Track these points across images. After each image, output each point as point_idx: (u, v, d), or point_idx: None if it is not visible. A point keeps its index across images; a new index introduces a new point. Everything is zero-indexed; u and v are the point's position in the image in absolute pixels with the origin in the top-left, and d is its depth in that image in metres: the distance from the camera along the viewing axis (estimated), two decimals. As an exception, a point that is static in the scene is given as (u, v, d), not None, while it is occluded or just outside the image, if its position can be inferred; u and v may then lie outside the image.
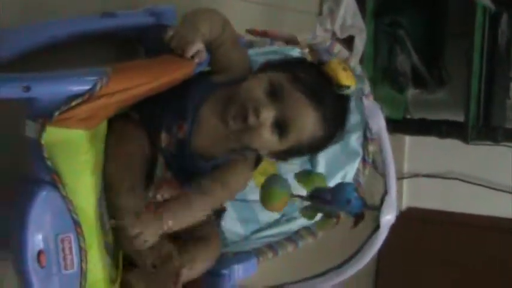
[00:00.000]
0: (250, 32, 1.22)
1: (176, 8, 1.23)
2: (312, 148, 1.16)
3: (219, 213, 1.26)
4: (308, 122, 1.09)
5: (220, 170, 1.14)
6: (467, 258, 2.83)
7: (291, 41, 1.21)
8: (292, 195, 1.11)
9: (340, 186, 1.12)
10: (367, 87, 1.28)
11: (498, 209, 2.77)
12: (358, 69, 1.27)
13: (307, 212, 1.17)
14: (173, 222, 1.06)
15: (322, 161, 1.33)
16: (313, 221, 1.22)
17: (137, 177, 1.06)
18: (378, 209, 1.12)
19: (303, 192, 1.14)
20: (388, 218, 1.13)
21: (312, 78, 1.09)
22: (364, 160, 1.33)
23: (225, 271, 1.17)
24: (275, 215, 1.35)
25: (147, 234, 1.02)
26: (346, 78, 1.11)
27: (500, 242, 2.78)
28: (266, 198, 1.12)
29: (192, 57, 1.05)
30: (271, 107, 1.07)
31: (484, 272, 2.79)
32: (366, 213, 1.12)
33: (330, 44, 1.24)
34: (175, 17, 1.22)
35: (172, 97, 1.09)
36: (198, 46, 1.06)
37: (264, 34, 1.21)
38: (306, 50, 1.14)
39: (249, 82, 1.11)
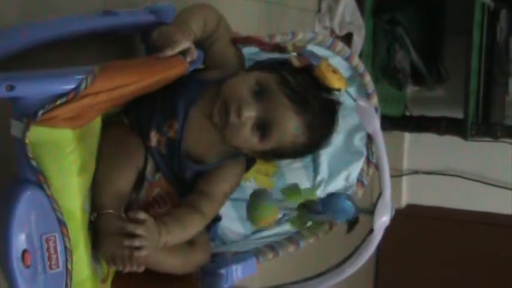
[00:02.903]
0: (233, 40, 1.17)
1: (176, 5, 1.22)
2: (296, 153, 1.13)
3: (213, 222, 1.22)
4: (290, 127, 1.06)
5: (207, 181, 1.12)
6: (468, 255, 2.83)
7: (278, 48, 1.17)
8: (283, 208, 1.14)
9: (332, 197, 1.13)
10: (370, 86, 1.27)
11: (498, 206, 2.77)
12: (361, 67, 1.26)
13: (297, 222, 1.18)
14: (169, 239, 1.03)
15: (326, 160, 1.32)
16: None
17: (125, 190, 1.04)
18: (371, 212, 1.11)
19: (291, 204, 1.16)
20: (382, 220, 1.11)
21: (300, 82, 1.07)
22: (368, 160, 1.33)
23: (222, 271, 1.16)
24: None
25: (147, 247, 0.97)
26: (336, 81, 1.08)
27: (500, 239, 2.78)
28: (255, 216, 1.17)
29: (184, 55, 1.03)
30: (254, 107, 1.05)
31: (485, 269, 2.79)
32: (362, 215, 1.12)
33: (332, 43, 1.23)
34: (175, 14, 1.21)
35: (164, 96, 1.08)
36: (184, 44, 1.02)
37: (247, 41, 1.16)
38: (294, 54, 1.11)
39: (236, 79, 1.09)
